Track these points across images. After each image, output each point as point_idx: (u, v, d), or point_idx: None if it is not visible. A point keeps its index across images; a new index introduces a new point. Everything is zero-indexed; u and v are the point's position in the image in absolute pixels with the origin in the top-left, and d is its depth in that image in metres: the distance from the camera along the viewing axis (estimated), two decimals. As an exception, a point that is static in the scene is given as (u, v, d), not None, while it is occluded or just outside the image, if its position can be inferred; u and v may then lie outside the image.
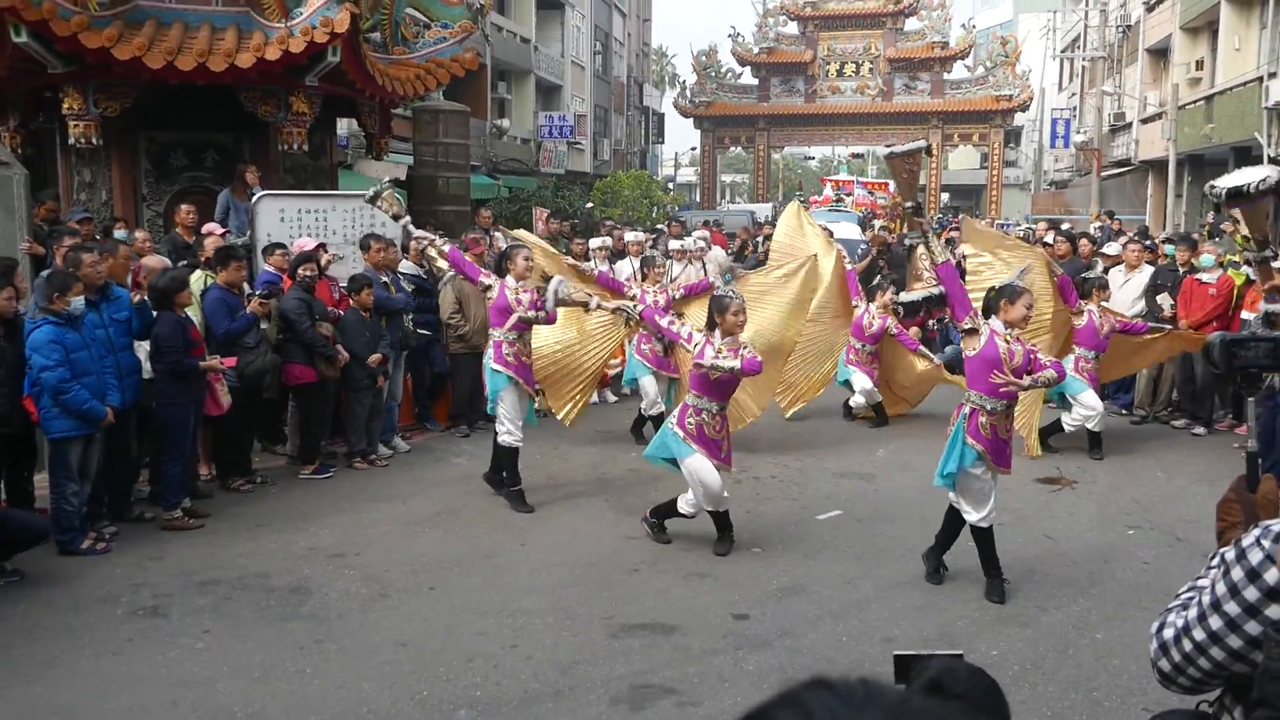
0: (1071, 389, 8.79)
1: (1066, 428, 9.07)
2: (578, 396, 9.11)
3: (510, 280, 7.41)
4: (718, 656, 5.02)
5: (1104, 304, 9.16)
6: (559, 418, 9.03)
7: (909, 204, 6.57)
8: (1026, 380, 5.72)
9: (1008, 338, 5.69)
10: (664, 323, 6.76)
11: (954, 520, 5.94)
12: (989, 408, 5.69)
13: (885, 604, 5.72)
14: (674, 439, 6.42)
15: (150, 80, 9.69)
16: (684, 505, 6.52)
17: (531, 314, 7.33)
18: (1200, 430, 9.88)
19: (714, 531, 6.57)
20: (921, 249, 6.86)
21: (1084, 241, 12.18)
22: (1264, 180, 4.44)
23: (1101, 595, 5.83)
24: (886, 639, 5.16)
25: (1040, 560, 6.38)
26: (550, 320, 7.66)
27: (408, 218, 7.85)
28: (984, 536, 5.81)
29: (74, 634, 5.24)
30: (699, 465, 6.32)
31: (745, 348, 6.31)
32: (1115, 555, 6.51)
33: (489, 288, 7.44)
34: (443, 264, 7.79)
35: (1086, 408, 8.89)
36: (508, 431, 7.41)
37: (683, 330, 6.48)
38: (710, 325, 6.34)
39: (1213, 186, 4.94)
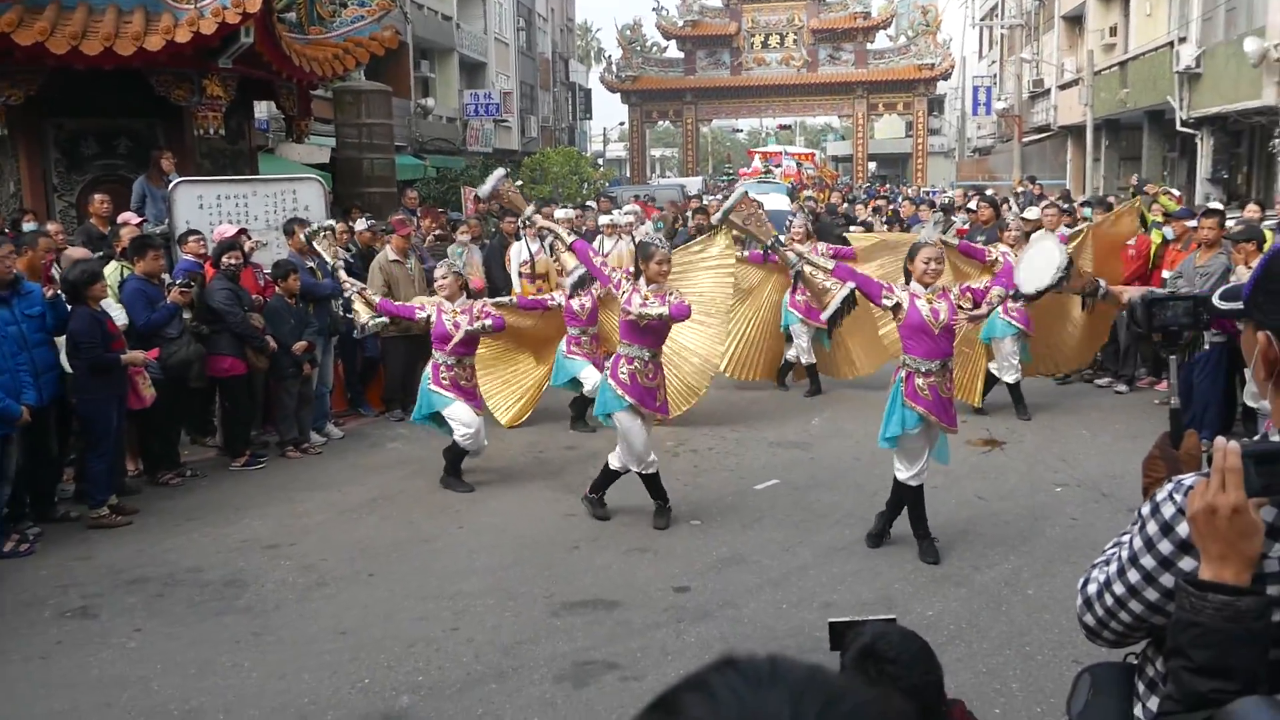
0: (996, 331, 8.96)
1: (995, 372, 9.22)
2: (523, 404, 9.17)
3: (445, 304, 7.28)
4: (660, 630, 5.05)
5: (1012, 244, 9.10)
6: (503, 423, 8.94)
7: (769, 242, 6.87)
8: (984, 308, 6.05)
9: (929, 298, 5.79)
10: (597, 261, 6.73)
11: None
12: (924, 369, 5.79)
13: (824, 570, 5.79)
14: (609, 392, 6.42)
15: (55, 66, 9.36)
16: (614, 460, 6.56)
17: (477, 325, 7.18)
18: (1122, 388, 10.14)
19: (653, 506, 6.60)
20: (809, 270, 7.12)
21: (1006, 208, 12.40)
22: (1059, 268, 5.36)
23: (1032, 553, 5.97)
24: (826, 604, 5.23)
25: (973, 521, 6.52)
26: (498, 328, 7.43)
27: (341, 262, 7.82)
28: (914, 495, 5.91)
29: (-1, 639, 5.09)
30: (627, 424, 6.35)
31: (672, 294, 6.31)
32: (1045, 513, 6.66)
33: (429, 318, 7.26)
34: (362, 311, 7.55)
35: (1003, 356, 9.07)
36: (463, 435, 7.28)
37: (613, 276, 6.45)
38: (636, 273, 6.35)
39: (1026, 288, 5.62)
